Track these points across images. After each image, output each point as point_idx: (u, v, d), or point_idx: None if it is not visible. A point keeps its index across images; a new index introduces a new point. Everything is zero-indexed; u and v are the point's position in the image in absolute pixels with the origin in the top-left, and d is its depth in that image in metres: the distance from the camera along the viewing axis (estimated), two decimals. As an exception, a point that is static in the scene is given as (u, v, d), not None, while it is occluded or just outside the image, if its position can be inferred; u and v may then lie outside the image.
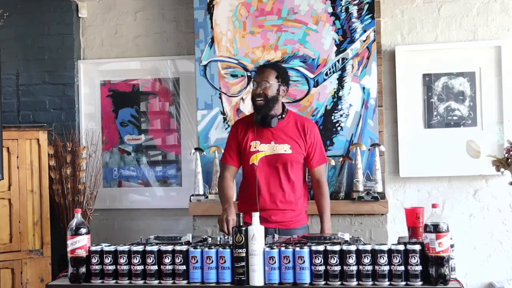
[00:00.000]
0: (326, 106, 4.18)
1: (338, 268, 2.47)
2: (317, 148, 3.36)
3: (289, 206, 3.31)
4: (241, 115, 4.19)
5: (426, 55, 4.26)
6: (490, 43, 4.19)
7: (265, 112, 3.26)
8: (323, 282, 2.48)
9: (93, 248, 2.67)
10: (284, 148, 3.30)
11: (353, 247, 2.48)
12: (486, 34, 4.24)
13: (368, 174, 4.04)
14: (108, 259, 2.63)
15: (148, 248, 2.62)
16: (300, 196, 3.36)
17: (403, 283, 2.43)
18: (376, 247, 2.46)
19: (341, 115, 4.16)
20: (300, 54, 4.19)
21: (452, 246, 2.52)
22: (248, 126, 3.34)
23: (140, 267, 2.61)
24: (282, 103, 3.34)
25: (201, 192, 4.20)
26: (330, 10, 4.17)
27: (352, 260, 2.46)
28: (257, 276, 2.51)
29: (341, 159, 4.11)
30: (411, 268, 2.43)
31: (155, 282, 2.60)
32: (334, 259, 2.46)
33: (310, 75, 4.18)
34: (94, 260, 2.64)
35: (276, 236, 2.96)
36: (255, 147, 3.31)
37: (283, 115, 3.31)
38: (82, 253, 2.65)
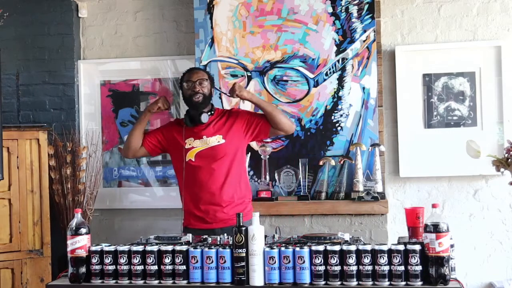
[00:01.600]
0: (326, 106, 4.18)
1: (338, 268, 2.47)
2: (255, 115, 3.53)
3: (230, 200, 3.38)
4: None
5: (426, 55, 4.26)
6: (490, 43, 4.18)
7: (202, 108, 3.41)
8: (323, 282, 2.48)
9: (93, 248, 2.67)
10: (217, 140, 3.43)
11: (353, 247, 2.48)
12: (486, 34, 4.24)
13: (368, 174, 4.04)
14: (108, 259, 2.63)
15: (148, 248, 2.62)
16: (241, 188, 3.44)
17: (403, 283, 2.44)
18: (376, 247, 2.46)
19: (341, 115, 4.16)
20: (300, 54, 4.19)
21: (452, 246, 2.53)
22: (179, 127, 3.47)
23: (140, 267, 2.61)
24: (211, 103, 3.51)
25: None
26: (330, 10, 4.17)
27: (352, 260, 2.46)
28: (257, 276, 2.51)
29: (341, 159, 4.11)
30: (411, 268, 2.43)
31: (155, 282, 2.60)
32: (334, 259, 2.47)
33: (310, 75, 4.18)
34: (94, 260, 2.65)
35: (276, 236, 2.96)
36: (190, 144, 3.43)
37: (212, 111, 3.46)
38: (82, 253, 2.66)
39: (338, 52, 4.15)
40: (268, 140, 4.16)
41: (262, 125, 3.48)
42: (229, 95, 3.53)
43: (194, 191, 3.41)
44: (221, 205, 3.38)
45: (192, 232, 3.07)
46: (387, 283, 2.44)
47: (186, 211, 3.48)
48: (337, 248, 2.48)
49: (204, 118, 3.39)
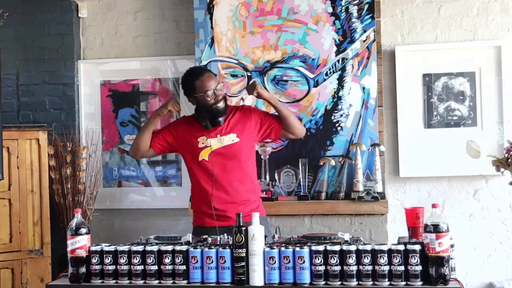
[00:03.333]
0: (326, 106, 4.18)
1: (338, 268, 2.47)
2: (267, 115, 3.50)
3: (246, 199, 3.36)
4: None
5: (426, 55, 4.26)
6: (490, 43, 4.18)
7: (225, 113, 3.36)
8: (323, 282, 2.48)
9: (93, 248, 2.67)
10: (231, 138, 3.37)
11: (353, 247, 2.48)
12: (486, 34, 4.24)
13: (368, 174, 4.04)
14: (108, 259, 2.63)
15: (148, 248, 2.62)
16: (255, 186, 3.44)
17: (403, 283, 2.44)
18: (376, 247, 2.46)
19: (341, 115, 4.16)
20: (300, 54, 4.19)
21: (452, 246, 2.53)
22: (190, 125, 3.40)
23: (140, 267, 2.61)
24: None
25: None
26: (330, 10, 4.17)
27: (352, 260, 2.46)
28: (257, 276, 2.51)
29: (341, 159, 4.11)
30: (411, 268, 2.43)
31: (155, 282, 2.60)
32: (334, 259, 2.47)
33: (310, 75, 4.18)
34: (94, 260, 2.65)
35: (276, 236, 2.96)
36: (203, 143, 3.36)
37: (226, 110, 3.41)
38: (82, 253, 2.66)
39: (338, 52, 4.15)
40: (268, 140, 4.16)
41: (275, 126, 3.45)
42: (248, 92, 3.46)
43: (208, 190, 3.35)
44: (237, 202, 3.32)
45: (206, 230, 3.13)
46: (387, 283, 2.44)
47: (199, 212, 3.43)
48: (337, 248, 2.49)
49: (222, 120, 3.36)
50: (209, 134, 3.37)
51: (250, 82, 3.43)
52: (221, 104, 3.33)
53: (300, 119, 4.16)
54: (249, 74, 4.24)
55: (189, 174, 3.52)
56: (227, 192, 3.35)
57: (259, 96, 3.41)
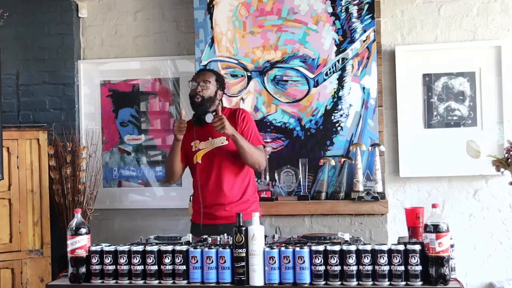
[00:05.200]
0: (326, 106, 4.18)
1: (338, 268, 2.47)
2: (250, 131, 3.47)
3: (237, 199, 3.42)
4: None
5: (426, 55, 4.26)
6: (490, 43, 4.18)
7: (201, 110, 3.40)
8: (323, 282, 2.48)
9: (93, 248, 2.67)
10: (221, 141, 3.45)
11: (353, 247, 2.48)
12: (486, 34, 4.24)
13: (368, 174, 4.04)
14: (108, 259, 2.63)
15: (148, 248, 2.62)
16: (246, 186, 3.47)
17: (403, 283, 2.44)
18: (376, 247, 2.46)
19: (341, 115, 4.15)
20: (300, 54, 4.19)
21: (452, 246, 2.53)
22: (188, 129, 3.44)
23: (140, 267, 2.61)
24: (219, 103, 3.48)
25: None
26: (330, 10, 4.17)
27: (352, 260, 2.46)
28: (257, 276, 2.51)
29: (341, 159, 4.11)
30: (411, 268, 2.43)
31: (155, 282, 2.60)
32: (334, 259, 2.47)
33: (310, 75, 4.18)
34: (94, 260, 2.65)
35: (276, 236, 2.96)
36: (196, 147, 3.47)
37: (216, 111, 3.40)
38: (82, 253, 2.66)
39: (338, 52, 4.15)
40: (268, 140, 4.16)
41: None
42: (215, 127, 3.31)
43: (201, 191, 3.46)
44: (224, 203, 3.41)
45: (197, 227, 3.32)
46: (387, 283, 2.44)
47: (194, 209, 3.57)
48: (337, 248, 2.48)
49: (208, 118, 3.37)
50: (202, 137, 3.46)
51: (217, 119, 3.28)
52: (197, 98, 3.40)
53: (300, 119, 4.16)
54: (249, 74, 4.24)
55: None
56: (217, 193, 3.42)
57: (229, 136, 3.34)
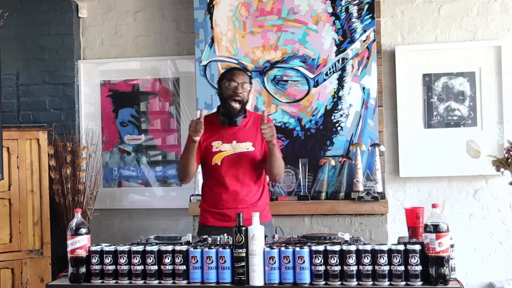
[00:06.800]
0: (326, 106, 4.18)
1: (338, 268, 2.47)
2: (276, 140, 3.35)
3: (252, 203, 3.34)
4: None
5: (426, 55, 4.26)
6: (490, 43, 4.19)
7: (237, 113, 3.28)
8: (323, 282, 2.48)
9: (93, 248, 2.67)
10: (246, 146, 3.33)
11: (353, 247, 2.48)
12: (486, 34, 4.24)
13: (368, 174, 4.04)
14: (108, 259, 2.63)
15: (148, 248, 2.62)
16: (262, 192, 3.40)
17: (403, 283, 2.43)
18: (376, 247, 2.46)
19: (341, 115, 4.16)
20: (300, 54, 4.19)
21: (452, 246, 2.52)
22: (210, 126, 3.29)
23: (140, 267, 2.61)
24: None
25: (201, 192, 4.19)
26: (330, 10, 4.17)
27: (352, 260, 2.46)
28: (257, 276, 2.51)
29: (341, 159, 4.11)
30: (411, 268, 2.43)
31: (155, 282, 2.60)
32: (334, 259, 2.46)
33: (310, 75, 4.18)
34: (94, 260, 2.64)
35: (276, 236, 2.96)
36: (217, 147, 3.33)
37: (245, 114, 3.34)
38: (82, 253, 2.65)
39: (338, 52, 4.15)
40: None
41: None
42: (264, 134, 3.20)
43: (217, 193, 3.34)
44: (244, 208, 3.25)
45: (209, 229, 3.17)
46: (387, 283, 2.44)
47: (205, 211, 3.42)
48: (337, 248, 2.48)
49: (239, 121, 3.30)
50: (225, 138, 3.32)
51: (267, 126, 3.17)
52: (237, 105, 3.27)
53: (300, 119, 4.16)
54: (249, 74, 4.23)
55: (202, 174, 3.49)
56: (235, 197, 3.32)
57: (269, 142, 3.24)
